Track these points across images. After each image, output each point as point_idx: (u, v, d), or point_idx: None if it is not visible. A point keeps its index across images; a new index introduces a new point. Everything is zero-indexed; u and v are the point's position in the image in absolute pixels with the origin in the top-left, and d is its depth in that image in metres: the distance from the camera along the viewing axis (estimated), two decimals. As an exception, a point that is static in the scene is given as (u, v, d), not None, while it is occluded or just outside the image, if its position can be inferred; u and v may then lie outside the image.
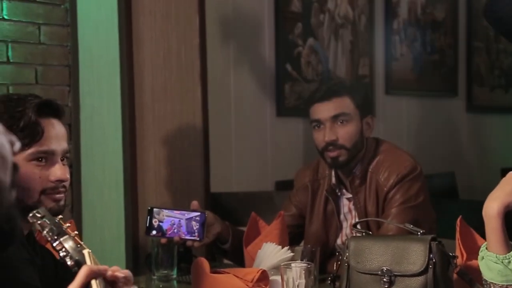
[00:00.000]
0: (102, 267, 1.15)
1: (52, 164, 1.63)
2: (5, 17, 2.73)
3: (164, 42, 2.94)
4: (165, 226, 2.14)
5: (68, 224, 1.25)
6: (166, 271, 2.35)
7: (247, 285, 1.87)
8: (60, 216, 1.27)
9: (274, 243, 2.09)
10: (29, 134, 1.59)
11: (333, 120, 2.31)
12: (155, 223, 2.14)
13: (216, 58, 3.41)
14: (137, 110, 2.85)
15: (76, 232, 1.24)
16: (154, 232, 2.15)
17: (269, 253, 2.06)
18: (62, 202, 1.66)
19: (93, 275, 1.12)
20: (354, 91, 2.38)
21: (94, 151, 2.90)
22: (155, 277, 2.36)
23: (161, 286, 2.31)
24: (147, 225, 2.15)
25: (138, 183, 2.85)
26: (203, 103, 2.99)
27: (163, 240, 2.18)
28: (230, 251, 2.31)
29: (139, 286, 2.32)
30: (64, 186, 1.65)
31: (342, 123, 2.32)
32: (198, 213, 2.14)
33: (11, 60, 2.73)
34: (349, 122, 2.33)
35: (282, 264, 1.80)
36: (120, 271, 1.19)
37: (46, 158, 1.62)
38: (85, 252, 1.18)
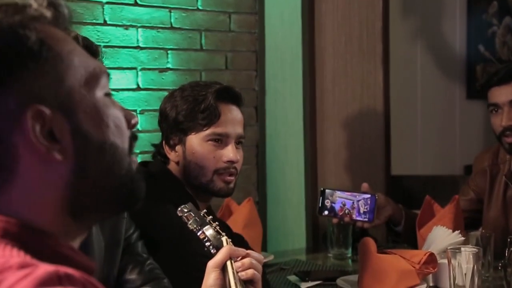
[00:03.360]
0: (239, 250, 1.35)
1: (225, 146, 1.77)
2: (200, 7, 2.94)
3: (346, 26, 2.98)
4: (337, 207, 2.21)
5: (210, 217, 1.39)
6: (341, 250, 2.44)
7: (414, 267, 1.88)
8: (205, 210, 1.42)
9: (446, 227, 2.07)
10: (208, 116, 1.75)
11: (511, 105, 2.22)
12: (327, 203, 2.22)
13: (400, 40, 3.38)
14: (317, 93, 2.94)
15: (217, 223, 1.39)
16: (326, 212, 2.23)
17: (439, 236, 2.04)
18: (231, 185, 1.80)
19: (232, 253, 1.31)
20: (537, 74, 2.26)
21: (277, 132, 3.04)
22: (330, 255, 2.46)
23: (336, 263, 2.39)
24: (319, 205, 2.23)
25: (318, 164, 2.94)
26: (384, 87, 2.99)
27: (335, 220, 2.25)
28: (403, 233, 2.32)
29: (316, 262, 2.43)
30: (235, 168, 1.79)
31: None
32: (369, 195, 2.19)
33: (203, 48, 2.93)
34: None
35: (449, 247, 1.79)
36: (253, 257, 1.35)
37: (221, 140, 1.77)
38: (223, 239, 1.35)
